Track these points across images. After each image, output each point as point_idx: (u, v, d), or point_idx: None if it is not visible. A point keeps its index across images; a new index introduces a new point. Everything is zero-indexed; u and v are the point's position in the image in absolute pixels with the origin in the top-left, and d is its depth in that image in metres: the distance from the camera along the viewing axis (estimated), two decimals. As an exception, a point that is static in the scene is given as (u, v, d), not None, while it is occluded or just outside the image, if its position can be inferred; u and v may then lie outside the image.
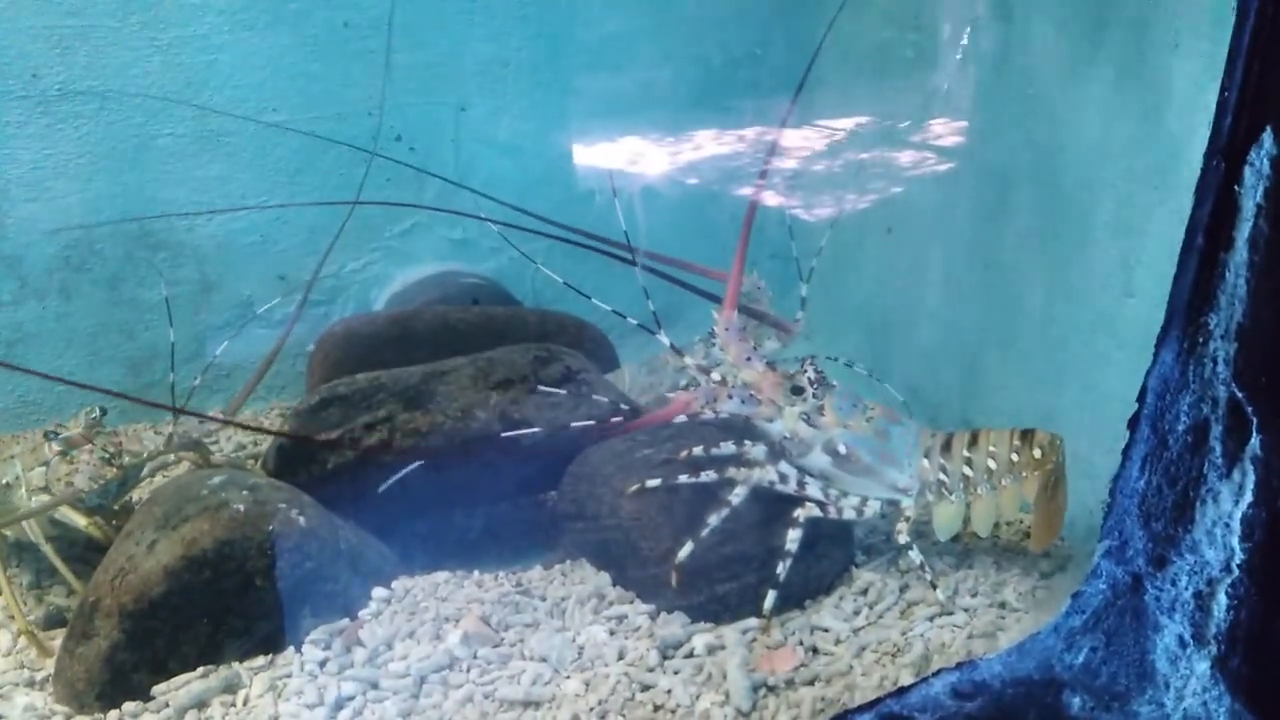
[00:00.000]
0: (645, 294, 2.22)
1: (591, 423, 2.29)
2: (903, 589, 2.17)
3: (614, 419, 2.27)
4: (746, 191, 3.49)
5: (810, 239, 3.14)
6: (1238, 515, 1.64)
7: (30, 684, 2.01)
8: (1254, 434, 1.60)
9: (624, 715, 1.82)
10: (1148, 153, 2.13)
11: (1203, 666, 1.69)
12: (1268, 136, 1.55)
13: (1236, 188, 1.59)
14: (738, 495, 2.07)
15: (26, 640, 2.11)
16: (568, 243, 2.60)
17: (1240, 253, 1.61)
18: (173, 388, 2.47)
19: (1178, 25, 2.03)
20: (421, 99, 3.34)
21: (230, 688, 1.90)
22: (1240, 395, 1.62)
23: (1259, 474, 1.60)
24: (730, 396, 2.16)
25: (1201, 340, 1.67)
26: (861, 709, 1.75)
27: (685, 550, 2.04)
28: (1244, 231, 1.59)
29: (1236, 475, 1.64)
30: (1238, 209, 1.60)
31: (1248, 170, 1.58)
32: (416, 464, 2.16)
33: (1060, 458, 2.18)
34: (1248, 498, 1.62)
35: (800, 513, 2.09)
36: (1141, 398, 1.75)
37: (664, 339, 2.21)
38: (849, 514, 2.17)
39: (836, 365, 2.83)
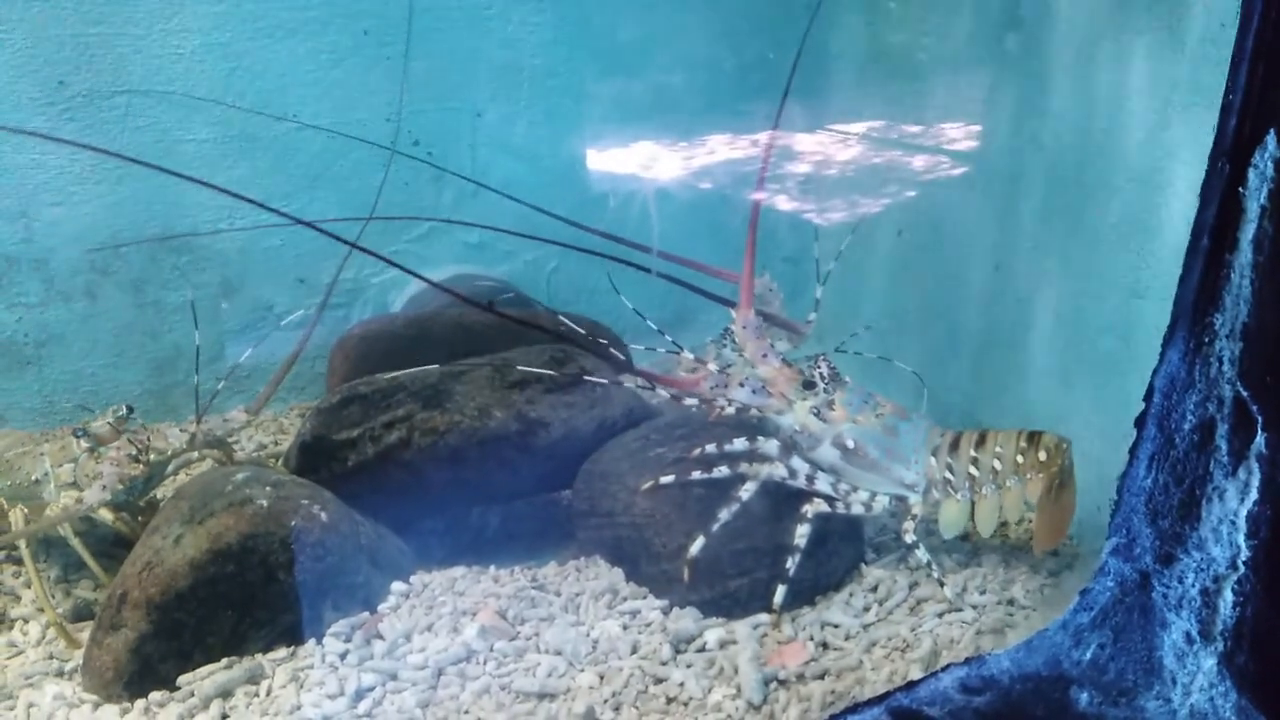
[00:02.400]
0: (641, 315, 2.27)
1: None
2: (912, 586, 2.20)
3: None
4: (759, 195, 3.52)
5: (826, 242, 3.16)
6: (1243, 513, 1.66)
7: (59, 674, 2.06)
8: (1259, 432, 1.62)
9: (637, 707, 1.85)
10: (1154, 155, 2.16)
11: (1209, 663, 1.71)
12: (1271, 139, 1.57)
13: (1241, 190, 1.61)
14: (748, 490, 2.10)
15: (55, 632, 2.16)
16: (582, 251, 2.64)
17: (1245, 254, 1.63)
18: (196, 389, 2.52)
19: (1184, 29, 2.05)
20: (438, 105, 3.39)
21: (254, 678, 1.95)
22: (1245, 394, 1.64)
23: (1264, 472, 1.62)
24: (742, 385, 2.20)
25: (1207, 340, 1.69)
26: (871, 702, 1.77)
27: (696, 545, 2.08)
28: (1248, 233, 1.62)
29: (1242, 473, 1.66)
30: (1242, 211, 1.62)
31: (1252, 172, 1.60)
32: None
33: (1066, 461, 2.20)
34: (1253, 495, 1.64)
35: (809, 508, 2.12)
36: (1148, 397, 1.77)
37: (689, 354, 2.27)
38: (857, 509, 2.20)
39: (858, 358, 2.87)
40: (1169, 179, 2.12)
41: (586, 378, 2.37)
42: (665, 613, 2.11)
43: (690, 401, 2.24)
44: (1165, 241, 2.12)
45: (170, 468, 2.50)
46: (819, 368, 2.25)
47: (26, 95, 2.94)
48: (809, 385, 2.23)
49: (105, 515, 2.30)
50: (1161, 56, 2.11)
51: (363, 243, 3.19)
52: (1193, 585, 1.74)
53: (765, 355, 2.27)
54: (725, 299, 2.46)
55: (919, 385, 2.86)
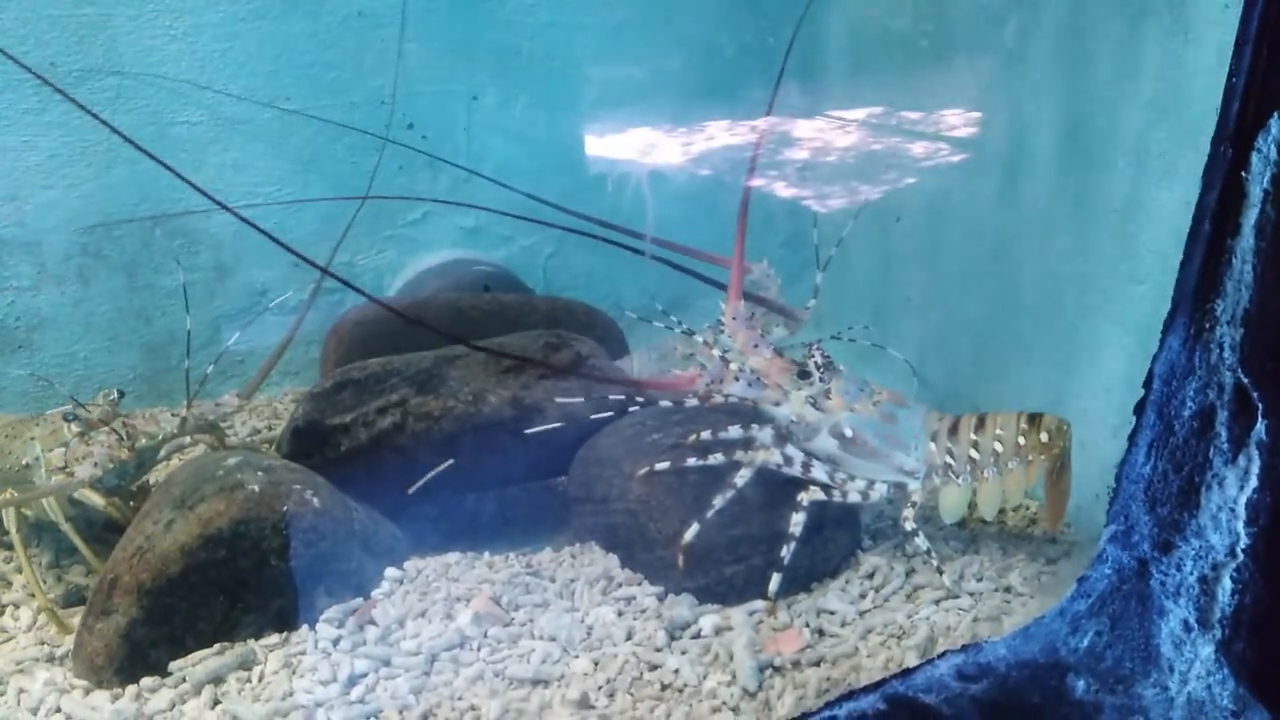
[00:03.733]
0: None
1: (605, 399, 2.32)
2: (909, 573, 2.19)
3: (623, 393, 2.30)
4: (757, 181, 3.50)
5: (825, 228, 3.15)
6: (1243, 500, 1.65)
7: (50, 659, 2.04)
8: (1259, 419, 1.61)
9: (632, 694, 1.84)
10: (1156, 139, 2.14)
11: (1207, 650, 1.70)
12: (1275, 123, 1.56)
13: (1244, 174, 1.60)
14: (742, 477, 2.09)
15: (46, 617, 2.15)
16: (579, 233, 2.62)
17: (1247, 239, 1.61)
18: (187, 374, 2.50)
19: (1187, 12, 2.03)
20: (434, 87, 3.36)
21: (245, 664, 1.93)
22: (1246, 381, 1.63)
23: (1264, 459, 1.61)
24: (737, 379, 2.18)
25: (1208, 326, 1.68)
26: (867, 689, 1.77)
27: (691, 531, 2.07)
28: (1251, 218, 1.60)
29: (1242, 461, 1.65)
30: (1245, 195, 1.60)
31: (1255, 156, 1.58)
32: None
33: (1067, 442, 2.19)
34: (1253, 483, 1.63)
35: (804, 496, 2.10)
36: (1148, 384, 1.76)
37: (697, 337, 2.25)
38: (854, 497, 2.19)
39: (854, 346, 2.86)
40: (1170, 164, 2.10)
41: (594, 410, 2.33)
42: (660, 599, 2.10)
43: (692, 403, 2.23)
44: (1166, 227, 2.10)
45: (162, 452, 2.48)
46: (813, 356, 2.23)
47: (18, 75, 2.91)
48: (804, 375, 2.21)
49: (96, 500, 2.28)
50: (1164, 39, 2.09)
51: (357, 227, 3.20)
52: (1191, 573, 1.73)
53: (756, 346, 2.24)
54: (722, 284, 2.44)
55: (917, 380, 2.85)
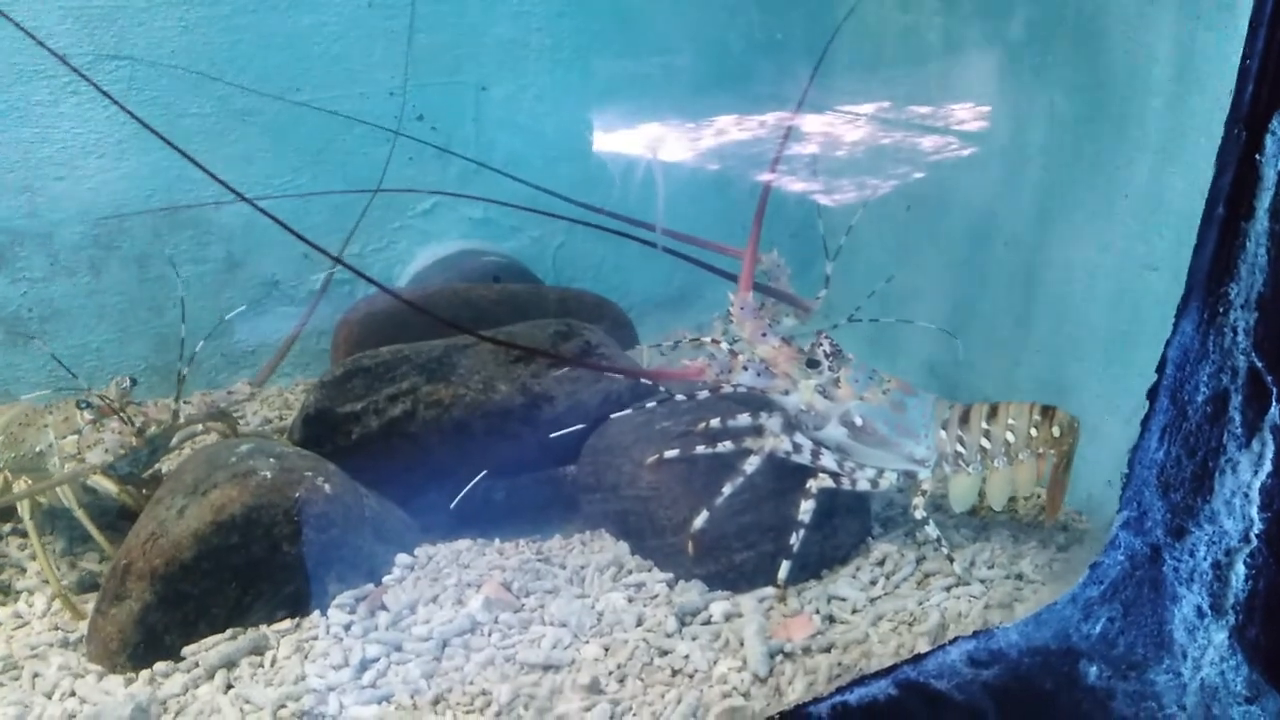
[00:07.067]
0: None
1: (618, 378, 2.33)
2: (919, 560, 2.19)
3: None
4: (766, 175, 3.50)
5: (832, 219, 3.14)
6: (1257, 485, 1.64)
7: (64, 644, 2.05)
8: (1274, 403, 1.60)
9: (642, 679, 1.85)
10: (1168, 123, 2.13)
11: (1220, 636, 1.70)
12: (1289, 104, 1.55)
13: (1258, 156, 1.59)
14: (751, 464, 2.09)
15: (60, 603, 2.17)
16: (589, 226, 2.62)
17: (1261, 222, 1.61)
18: (179, 371, 2.51)
19: (1201, -4, 2.02)
20: (443, 79, 3.36)
21: (258, 649, 1.94)
22: (1260, 365, 1.62)
23: (1278, 443, 1.60)
24: (745, 368, 2.18)
25: (1222, 310, 1.67)
26: (878, 675, 1.77)
27: (700, 519, 2.07)
28: (1265, 201, 1.59)
29: (1256, 445, 1.64)
30: (1259, 178, 1.60)
31: (1269, 139, 1.58)
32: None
33: (1076, 439, 2.18)
34: (1267, 467, 1.62)
35: (813, 484, 2.10)
36: (1161, 369, 1.75)
37: (705, 339, 2.28)
38: (863, 485, 2.19)
39: (865, 333, 2.85)
40: (1181, 149, 2.09)
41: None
42: (671, 586, 2.11)
43: (703, 395, 2.23)
44: (1177, 212, 2.10)
45: (175, 440, 2.49)
46: (821, 345, 2.22)
47: (31, 67, 2.93)
48: (813, 364, 2.20)
49: (110, 486, 2.29)
50: (1176, 23, 2.08)
51: (367, 218, 3.21)
52: (1204, 558, 1.72)
53: (764, 335, 2.24)
54: (733, 275, 2.44)
55: (926, 362, 2.84)
